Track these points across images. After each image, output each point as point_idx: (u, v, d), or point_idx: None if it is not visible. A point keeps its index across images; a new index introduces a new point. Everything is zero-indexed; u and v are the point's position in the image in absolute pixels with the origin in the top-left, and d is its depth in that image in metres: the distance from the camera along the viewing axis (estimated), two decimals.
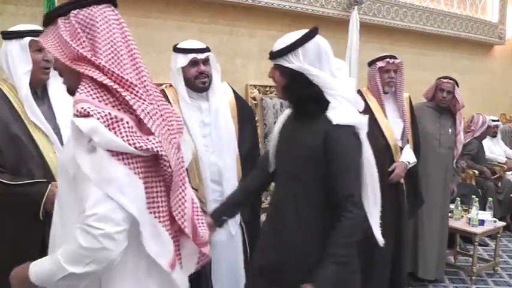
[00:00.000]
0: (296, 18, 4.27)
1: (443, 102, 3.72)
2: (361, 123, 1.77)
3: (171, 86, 2.54)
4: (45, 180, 1.92)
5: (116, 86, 1.23)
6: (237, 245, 2.55)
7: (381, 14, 4.84)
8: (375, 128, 3.19)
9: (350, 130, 1.72)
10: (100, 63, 1.24)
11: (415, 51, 5.36)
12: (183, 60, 2.42)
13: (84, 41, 1.25)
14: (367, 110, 3.22)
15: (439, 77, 3.79)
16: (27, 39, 1.98)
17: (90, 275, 1.21)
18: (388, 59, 3.21)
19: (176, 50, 2.49)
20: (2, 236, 2.00)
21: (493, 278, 4.04)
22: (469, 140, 4.98)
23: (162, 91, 2.52)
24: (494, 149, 5.49)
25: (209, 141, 2.45)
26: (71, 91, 1.34)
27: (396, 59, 3.24)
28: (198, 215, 1.41)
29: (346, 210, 1.66)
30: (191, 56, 2.41)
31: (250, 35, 4.03)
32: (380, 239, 1.87)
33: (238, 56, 3.96)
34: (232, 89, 2.68)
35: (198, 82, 2.43)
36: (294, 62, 1.71)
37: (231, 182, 2.44)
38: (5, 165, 1.93)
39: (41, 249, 1.85)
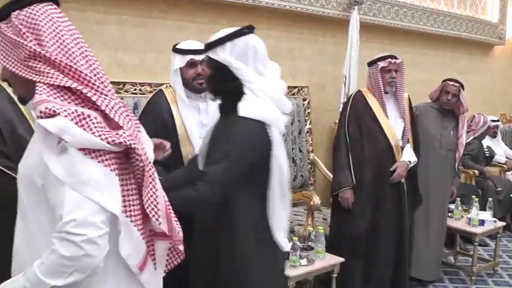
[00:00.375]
0: (296, 18, 4.27)
1: (447, 105, 3.73)
2: (275, 120, 1.73)
3: (170, 86, 2.53)
4: None
5: (75, 85, 1.19)
6: None
7: (381, 14, 4.84)
8: (376, 128, 3.21)
9: (255, 123, 1.69)
10: (56, 58, 1.19)
11: (415, 51, 5.36)
12: (180, 61, 2.42)
13: (31, 40, 1.20)
14: (368, 110, 3.25)
15: (445, 79, 3.79)
16: None
17: (72, 285, 1.14)
18: (390, 59, 3.21)
19: (175, 50, 2.48)
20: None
21: (493, 278, 4.05)
22: (469, 139, 4.98)
23: (161, 91, 2.52)
24: (494, 149, 5.49)
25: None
26: (24, 100, 1.29)
27: (397, 59, 3.24)
28: (170, 211, 1.36)
29: (195, 184, 1.68)
30: (188, 57, 2.40)
31: None
32: (283, 245, 1.81)
33: None
34: None
35: (195, 83, 2.43)
36: (220, 54, 1.74)
37: None
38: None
39: None
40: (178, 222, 1.37)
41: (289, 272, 2.76)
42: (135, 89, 3.31)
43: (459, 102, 3.72)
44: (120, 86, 3.24)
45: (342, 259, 3.00)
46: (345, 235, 3.20)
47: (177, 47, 2.48)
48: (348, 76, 4.25)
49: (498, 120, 5.69)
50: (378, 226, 3.16)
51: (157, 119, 2.41)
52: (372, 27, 4.77)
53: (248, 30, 1.79)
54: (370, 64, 3.30)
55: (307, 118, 4.27)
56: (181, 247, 1.40)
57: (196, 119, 2.45)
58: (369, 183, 3.17)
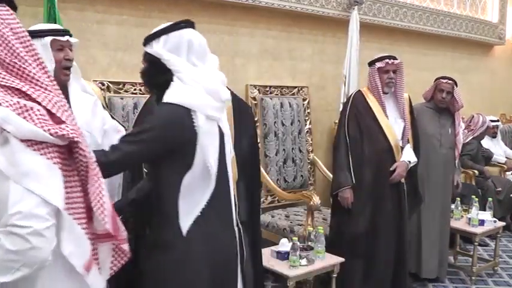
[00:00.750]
0: (296, 18, 4.27)
1: (442, 103, 3.73)
2: (200, 105, 1.67)
3: None
4: None
5: (16, 82, 1.18)
6: None
7: (381, 14, 4.84)
8: (375, 128, 3.21)
9: (176, 108, 1.64)
10: (0, 56, 1.18)
11: (415, 51, 5.36)
12: None
13: None
14: (368, 110, 3.25)
15: (438, 77, 3.79)
16: (49, 38, 1.99)
17: (20, 281, 1.11)
18: (387, 60, 3.21)
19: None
20: None
21: (493, 278, 4.04)
22: (468, 140, 4.98)
23: None
24: (494, 150, 5.48)
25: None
26: None
27: (396, 59, 3.23)
28: (114, 210, 1.34)
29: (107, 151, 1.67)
30: None
31: (250, 35, 4.03)
32: (183, 231, 1.67)
33: (238, 56, 3.96)
34: (230, 90, 2.68)
35: None
36: (153, 47, 1.73)
37: None
38: None
39: None
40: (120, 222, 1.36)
41: (289, 272, 2.76)
42: (135, 89, 3.31)
43: (454, 100, 3.72)
44: (120, 86, 3.24)
45: (341, 259, 3.00)
46: (344, 235, 3.20)
47: None
48: (347, 76, 4.25)
49: (498, 121, 5.69)
50: (378, 226, 3.16)
51: None
52: (372, 27, 4.77)
53: (185, 24, 1.77)
54: (370, 64, 3.30)
55: (307, 118, 4.27)
56: (125, 246, 1.37)
57: None
58: (369, 183, 3.17)
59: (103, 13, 3.27)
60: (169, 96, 1.66)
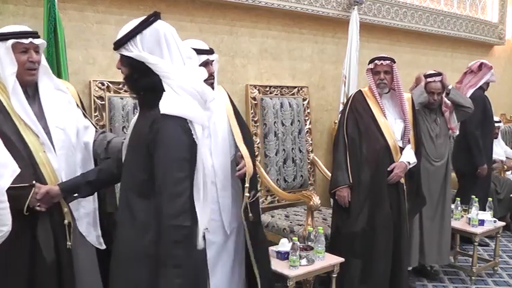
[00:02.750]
0: (296, 18, 4.28)
1: (433, 104, 3.75)
2: (196, 117, 1.64)
3: None
4: (28, 184, 1.94)
5: None
6: (234, 246, 2.56)
7: (381, 14, 4.84)
8: (374, 128, 3.22)
9: (178, 122, 1.60)
10: None
11: (415, 51, 5.37)
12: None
13: None
14: (367, 109, 3.26)
15: (425, 75, 3.77)
16: (11, 41, 2.02)
17: None
18: (376, 61, 3.22)
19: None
20: None
21: (492, 278, 4.04)
22: (470, 92, 4.90)
23: None
24: (495, 149, 5.47)
25: (208, 143, 2.45)
26: None
27: (387, 60, 3.22)
28: None
29: (163, 222, 1.57)
30: (203, 57, 2.39)
31: (250, 35, 4.03)
32: (199, 244, 1.67)
33: (238, 56, 3.96)
34: (225, 90, 2.72)
35: (207, 83, 2.44)
36: (132, 50, 1.65)
37: (223, 183, 2.49)
38: None
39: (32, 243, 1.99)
40: None
41: (289, 272, 2.76)
42: None
43: (443, 103, 3.81)
44: (120, 86, 3.23)
45: (341, 259, 3.00)
46: (343, 234, 3.20)
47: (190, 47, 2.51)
48: (347, 76, 4.25)
49: (500, 121, 5.65)
50: (376, 225, 3.16)
51: None
52: (372, 27, 4.78)
53: (154, 17, 1.68)
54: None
55: (307, 118, 4.28)
56: None
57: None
58: (367, 183, 3.17)
59: (103, 13, 3.27)
60: (166, 107, 1.59)
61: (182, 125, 1.60)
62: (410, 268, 3.74)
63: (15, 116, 2.01)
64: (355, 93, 3.41)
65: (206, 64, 2.43)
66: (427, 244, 3.74)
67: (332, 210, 3.42)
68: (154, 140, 1.59)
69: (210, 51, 2.47)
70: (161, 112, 1.58)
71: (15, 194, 1.89)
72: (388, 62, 3.22)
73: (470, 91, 4.36)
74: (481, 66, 4.44)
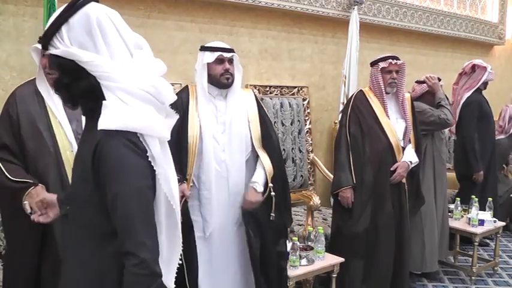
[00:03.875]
0: (296, 18, 4.28)
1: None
2: (147, 127, 1.23)
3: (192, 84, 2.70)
4: (33, 182, 1.99)
5: None
6: (240, 240, 2.59)
7: (381, 14, 4.84)
8: (377, 128, 3.21)
9: (121, 139, 1.20)
10: None
11: (415, 51, 5.36)
12: (209, 57, 2.56)
13: None
14: (369, 109, 3.25)
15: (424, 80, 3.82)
16: (36, 45, 2.06)
17: None
18: (390, 60, 3.21)
19: (203, 48, 2.62)
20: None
21: (492, 278, 4.05)
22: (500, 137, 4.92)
23: (187, 86, 2.69)
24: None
25: (221, 138, 2.55)
26: None
27: (399, 59, 3.24)
28: None
29: (129, 272, 1.21)
30: (217, 53, 2.56)
31: (250, 35, 4.03)
32: None
33: (238, 56, 3.94)
34: (255, 95, 2.80)
35: (223, 78, 2.56)
36: (59, 46, 1.24)
37: (235, 180, 2.56)
38: (25, 156, 2.06)
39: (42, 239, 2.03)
40: None
41: (289, 272, 2.76)
42: None
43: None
44: None
45: (341, 259, 3.00)
46: (345, 234, 3.20)
47: (207, 45, 2.63)
48: (347, 76, 4.25)
49: None
50: (378, 226, 3.16)
51: (180, 111, 2.53)
52: (372, 27, 4.78)
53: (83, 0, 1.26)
54: (372, 64, 3.30)
55: (307, 118, 4.27)
56: None
57: (213, 115, 2.58)
58: (370, 183, 3.17)
59: None
60: (106, 121, 1.20)
61: (128, 142, 1.21)
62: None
63: (52, 115, 2.10)
64: (357, 93, 3.40)
65: (221, 61, 2.56)
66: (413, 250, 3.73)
67: (332, 210, 3.42)
68: (98, 169, 1.22)
69: (225, 49, 2.59)
70: (98, 128, 1.20)
71: (17, 187, 1.97)
72: (400, 62, 3.24)
73: (467, 94, 4.34)
74: (474, 67, 4.41)
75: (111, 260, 1.25)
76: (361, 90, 3.39)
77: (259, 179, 2.56)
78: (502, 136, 4.96)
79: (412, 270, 3.66)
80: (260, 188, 2.54)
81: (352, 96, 3.41)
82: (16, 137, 2.07)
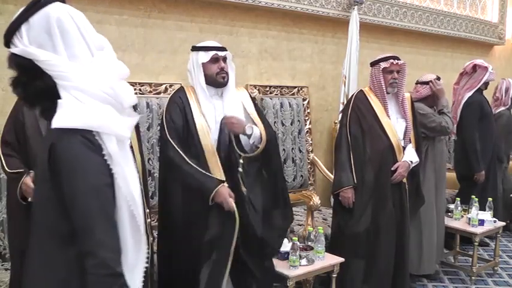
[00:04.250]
0: (296, 18, 4.28)
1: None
2: (104, 125, 1.21)
3: (187, 85, 2.72)
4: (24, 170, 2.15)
5: None
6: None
7: (381, 14, 4.84)
8: (377, 128, 3.21)
9: (77, 136, 1.18)
10: None
11: (415, 51, 5.37)
12: (204, 56, 2.59)
13: None
14: (370, 109, 3.25)
15: (430, 80, 3.80)
16: None
17: None
18: (392, 60, 3.21)
19: (196, 48, 2.65)
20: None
21: (492, 278, 4.05)
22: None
23: (182, 87, 2.71)
24: None
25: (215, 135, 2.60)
26: None
27: (400, 59, 3.24)
28: None
29: (89, 273, 1.17)
30: (212, 53, 2.59)
31: (250, 35, 4.03)
32: None
33: (238, 56, 3.96)
34: (249, 93, 2.86)
35: (219, 77, 2.60)
36: (18, 45, 1.24)
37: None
38: (28, 153, 2.19)
39: None
40: None
41: (289, 272, 2.76)
42: (135, 89, 3.30)
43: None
44: None
45: (341, 259, 3.00)
46: (346, 234, 3.20)
47: (199, 45, 2.66)
48: (347, 76, 4.25)
49: None
50: (379, 225, 3.16)
51: (182, 111, 2.59)
52: (372, 27, 4.78)
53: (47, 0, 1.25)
54: (373, 64, 3.30)
55: (307, 118, 4.27)
56: None
57: (213, 114, 2.62)
58: (371, 183, 3.17)
59: (103, 13, 3.27)
60: (59, 119, 1.19)
61: (83, 139, 1.19)
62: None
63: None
64: (357, 92, 3.40)
65: (216, 60, 2.59)
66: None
67: (333, 210, 3.42)
68: (54, 169, 1.20)
69: (219, 48, 2.62)
70: (52, 126, 1.19)
71: (13, 177, 2.10)
72: (401, 62, 3.24)
73: (468, 94, 4.34)
74: (475, 67, 4.41)
75: (76, 263, 1.20)
76: (361, 90, 3.39)
77: (255, 130, 2.64)
78: (502, 108, 4.89)
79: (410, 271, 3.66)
80: (250, 130, 2.60)
81: (352, 96, 3.41)
82: (20, 135, 2.20)
